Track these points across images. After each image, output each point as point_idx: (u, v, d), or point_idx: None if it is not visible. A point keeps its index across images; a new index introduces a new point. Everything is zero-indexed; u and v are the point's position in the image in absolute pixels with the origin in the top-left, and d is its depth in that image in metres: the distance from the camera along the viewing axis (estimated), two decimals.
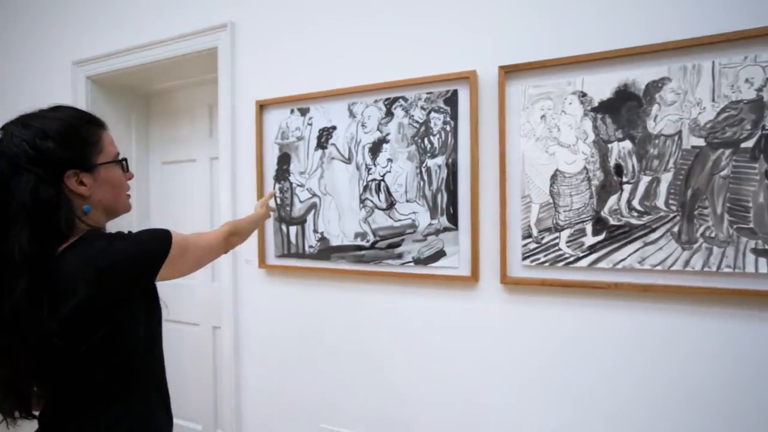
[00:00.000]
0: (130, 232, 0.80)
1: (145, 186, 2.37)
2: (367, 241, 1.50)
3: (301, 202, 1.62)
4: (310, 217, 1.60)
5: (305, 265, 1.61)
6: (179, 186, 2.28)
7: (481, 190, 1.34)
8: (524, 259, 1.28)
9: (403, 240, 1.45)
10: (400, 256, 1.45)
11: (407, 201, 1.44)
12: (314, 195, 1.59)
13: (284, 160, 1.65)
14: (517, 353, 1.31)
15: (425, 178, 1.41)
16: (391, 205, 1.46)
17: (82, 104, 2.10)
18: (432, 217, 1.40)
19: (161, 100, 2.35)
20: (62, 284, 0.71)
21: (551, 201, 1.25)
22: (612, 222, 1.19)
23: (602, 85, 1.19)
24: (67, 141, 0.78)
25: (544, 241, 1.26)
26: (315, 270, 1.58)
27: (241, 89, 1.76)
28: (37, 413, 0.79)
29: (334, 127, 1.55)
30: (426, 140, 1.41)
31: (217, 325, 2.07)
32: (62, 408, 0.78)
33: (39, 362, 0.72)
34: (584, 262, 1.21)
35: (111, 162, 0.86)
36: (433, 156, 1.40)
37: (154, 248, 0.79)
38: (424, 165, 1.41)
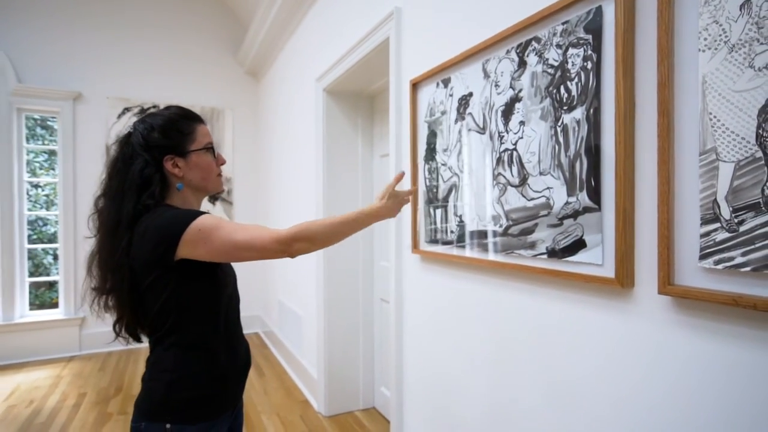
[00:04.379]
0: (177, 209, 0.94)
1: (369, 177, 2.67)
2: (500, 226, 1.22)
3: (444, 182, 1.47)
4: (451, 199, 1.43)
5: (445, 251, 1.45)
6: (390, 176, 2.47)
7: (637, 148, 0.88)
8: (704, 257, 0.76)
9: (536, 225, 1.10)
10: (532, 245, 1.11)
11: (540, 173, 1.09)
12: (454, 174, 1.42)
13: (432, 138, 1.54)
14: (688, 412, 0.79)
15: (561, 140, 1.03)
16: (524, 180, 1.14)
17: (319, 111, 2.58)
18: (569, 194, 1.01)
19: (381, 99, 2.60)
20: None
21: (761, 154, 0.69)
22: None
23: None
24: (166, 132, 0.99)
25: (743, 229, 0.71)
26: (453, 258, 1.41)
27: (403, 74, 1.75)
28: (143, 338, 1.03)
29: (470, 94, 1.33)
30: (562, 89, 1.03)
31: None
32: (149, 339, 1.00)
33: (133, 299, 0.95)
34: None
35: (201, 149, 1.03)
36: (571, 109, 1.01)
37: (171, 227, 0.89)
38: (559, 123, 1.04)
